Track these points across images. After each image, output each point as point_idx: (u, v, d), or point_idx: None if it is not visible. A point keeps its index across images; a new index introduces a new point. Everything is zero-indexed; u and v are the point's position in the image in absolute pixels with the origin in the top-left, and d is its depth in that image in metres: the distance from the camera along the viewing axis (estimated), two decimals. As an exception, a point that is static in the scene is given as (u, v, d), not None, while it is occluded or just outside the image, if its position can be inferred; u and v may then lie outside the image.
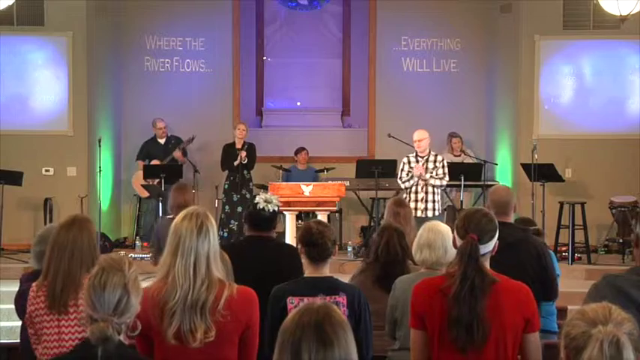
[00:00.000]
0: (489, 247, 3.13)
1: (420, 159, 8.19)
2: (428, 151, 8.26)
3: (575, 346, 2.05)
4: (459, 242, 3.14)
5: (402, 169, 8.30)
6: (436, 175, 8.12)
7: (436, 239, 3.88)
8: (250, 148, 10.02)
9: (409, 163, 8.24)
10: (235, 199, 9.88)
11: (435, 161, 8.20)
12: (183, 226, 2.92)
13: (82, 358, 2.52)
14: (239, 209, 9.77)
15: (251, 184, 10.01)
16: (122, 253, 9.32)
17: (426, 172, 8.11)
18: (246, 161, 9.85)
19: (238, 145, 9.99)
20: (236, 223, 9.76)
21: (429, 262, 3.90)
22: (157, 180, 9.59)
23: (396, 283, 3.97)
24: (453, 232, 3.31)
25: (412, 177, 8.14)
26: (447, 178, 8.16)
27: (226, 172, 10.00)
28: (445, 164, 8.21)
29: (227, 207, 9.86)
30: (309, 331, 1.98)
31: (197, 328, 2.82)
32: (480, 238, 3.07)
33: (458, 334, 2.99)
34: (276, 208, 4.38)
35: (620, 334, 2.00)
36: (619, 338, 2.00)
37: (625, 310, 2.11)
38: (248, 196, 9.85)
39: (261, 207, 4.33)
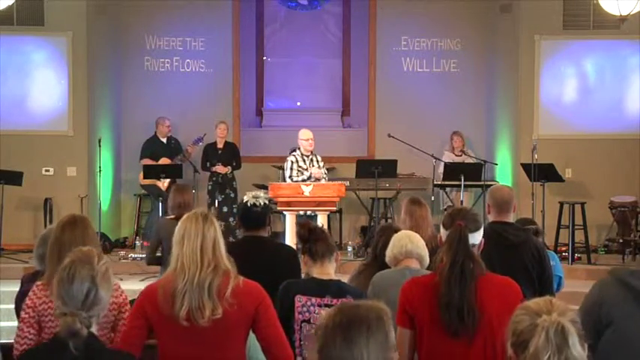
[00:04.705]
0: (476, 238, 3.19)
1: (305, 158, 8.70)
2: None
3: (522, 341, 2.10)
4: (444, 236, 3.21)
5: (292, 168, 8.70)
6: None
7: None
8: (232, 148, 10.09)
9: (297, 161, 8.71)
10: (220, 199, 9.89)
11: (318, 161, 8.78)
12: (188, 218, 3.06)
13: (53, 350, 2.55)
14: (224, 209, 9.78)
15: (234, 183, 10.03)
16: (122, 253, 9.35)
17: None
18: (230, 170, 9.89)
19: (220, 145, 10.05)
20: (223, 223, 9.75)
21: None
22: (168, 181, 9.64)
23: (374, 279, 4.01)
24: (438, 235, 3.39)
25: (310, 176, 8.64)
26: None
27: (208, 172, 10.04)
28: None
29: (212, 208, 9.85)
30: (336, 329, 2.09)
31: (205, 306, 2.90)
32: (467, 227, 3.15)
33: (450, 319, 3.05)
34: (266, 202, 4.41)
35: (565, 321, 2.06)
36: (564, 325, 2.05)
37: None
38: (232, 195, 9.88)
39: (252, 203, 4.36)
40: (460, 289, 3.05)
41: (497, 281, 3.17)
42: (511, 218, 4.41)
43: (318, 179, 8.59)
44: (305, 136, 8.76)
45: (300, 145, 8.80)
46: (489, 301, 3.08)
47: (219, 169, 9.91)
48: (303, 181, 8.47)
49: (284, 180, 8.79)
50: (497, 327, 3.04)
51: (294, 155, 8.78)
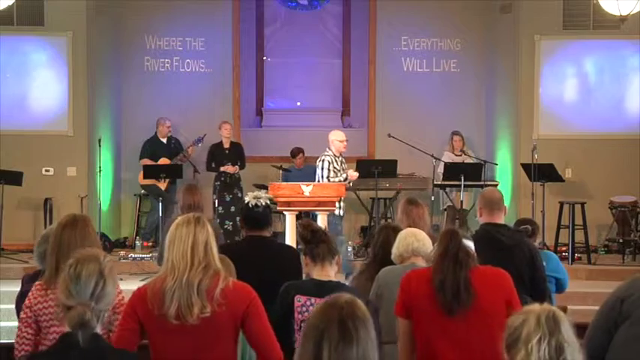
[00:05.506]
0: (469, 245, 3.29)
1: (337, 159, 8.55)
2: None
3: (517, 336, 2.11)
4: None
5: (328, 169, 8.50)
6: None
7: None
8: (238, 148, 10.09)
9: (332, 162, 8.55)
10: (228, 199, 9.90)
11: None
12: (180, 221, 3.06)
13: (62, 350, 2.55)
14: (232, 209, 9.79)
15: (241, 182, 10.05)
16: (122, 253, 9.35)
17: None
18: (237, 170, 9.89)
19: (226, 145, 10.05)
20: (231, 223, 9.77)
21: None
22: (168, 180, 9.65)
23: (379, 274, 4.04)
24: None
25: (346, 178, 8.53)
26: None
27: (214, 172, 10.03)
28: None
29: (220, 208, 9.85)
30: (332, 325, 2.05)
31: (194, 304, 2.91)
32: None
33: (445, 296, 3.14)
34: (267, 202, 4.41)
35: (557, 310, 2.10)
36: (555, 312, 2.09)
37: None
38: (240, 195, 9.89)
39: (253, 204, 4.37)
40: (454, 272, 3.16)
41: (489, 272, 3.31)
42: (503, 219, 4.44)
43: (351, 181, 8.65)
44: (340, 137, 8.55)
45: (333, 145, 8.54)
46: (484, 288, 3.20)
47: (230, 168, 9.91)
48: (340, 182, 8.44)
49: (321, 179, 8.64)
50: (493, 312, 3.15)
51: (327, 156, 8.57)
